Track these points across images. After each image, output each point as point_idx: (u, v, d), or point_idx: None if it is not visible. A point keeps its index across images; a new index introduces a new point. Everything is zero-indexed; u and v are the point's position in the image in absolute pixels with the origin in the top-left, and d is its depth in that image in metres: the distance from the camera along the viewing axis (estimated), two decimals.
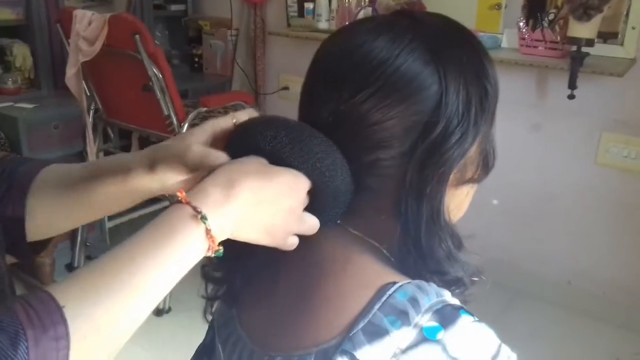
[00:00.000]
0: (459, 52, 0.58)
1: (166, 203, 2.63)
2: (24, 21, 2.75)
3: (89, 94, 2.48)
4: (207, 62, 3.21)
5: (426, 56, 0.56)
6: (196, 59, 3.25)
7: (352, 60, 0.57)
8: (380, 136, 0.56)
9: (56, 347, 0.42)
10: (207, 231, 0.50)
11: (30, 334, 0.42)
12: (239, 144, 0.58)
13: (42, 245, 0.74)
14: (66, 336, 0.43)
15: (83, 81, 2.42)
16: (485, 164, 0.62)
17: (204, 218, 0.50)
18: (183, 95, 2.57)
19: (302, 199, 0.56)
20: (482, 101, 0.58)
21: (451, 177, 0.58)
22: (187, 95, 2.90)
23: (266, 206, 0.54)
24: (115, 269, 0.48)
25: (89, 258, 2.67)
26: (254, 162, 0.55)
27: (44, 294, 0.45)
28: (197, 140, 0.59)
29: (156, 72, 2.22)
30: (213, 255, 0.52)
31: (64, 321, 0.43)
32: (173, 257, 0.50)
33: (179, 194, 0.51)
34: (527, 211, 2.47)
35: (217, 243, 0.51)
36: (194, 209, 0.50)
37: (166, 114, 2.27)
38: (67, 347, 0.43)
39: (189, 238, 0.50)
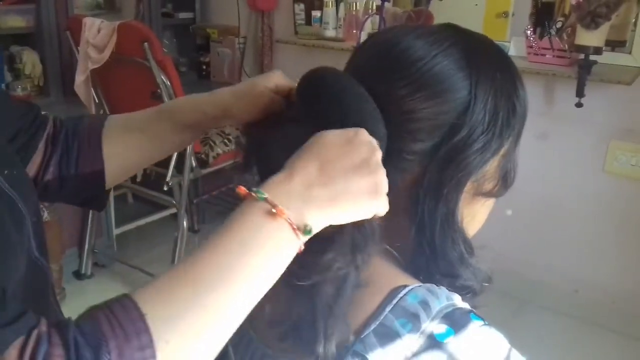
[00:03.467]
0: (494, 68, 0.61)
1: (173, 210, 2.64)
2: (33, 28, 2.77)
3: (97, 101, 2.50)
4: (215, 69, 3.22)
5: (461, 62, 0.59)
6: (204, 67, 3.26)
7: (392, 53, 0.60)
8: (410, 126, 0.58)
9: (142, 357, 0.42)
10: (290, 224, 0.48)
11: (113, 345, 0.41)
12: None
13: (108, 194, 0.80)
14: (151, 344, 0.42)
15: (92, 88, 2.43)
16: (504, 181, 0.63)
17: (259, 193, 0.49)
18: None
19: (367, 149, 0.53)
20: (509, 117, 0.60)
21: (468, 184, 0.60)
22: None
23: (331, 171, 0.51)
24: (200, 275, 0.46)
25: (96, 265, 2.67)
26: (308, 142, 0.53)
27: (127, 301, 0.44)
28: (266, 85, 0.67)
29: (164, 80, 2.23)
30: (304, 234, 0.49)
31: (147, 329, 0.42)
32: (262, 261, 0.48)
33: (237, 189, 0.50)
34: (534, 219, 2.46)
35: (303, 226, 0.49)
36: (271, 204, 0.48)
37: None
38: (154, 356, 0.42)
39: (276, 237, 0.48)
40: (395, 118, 0.58)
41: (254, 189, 0.49)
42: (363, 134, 0.54)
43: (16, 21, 2.73)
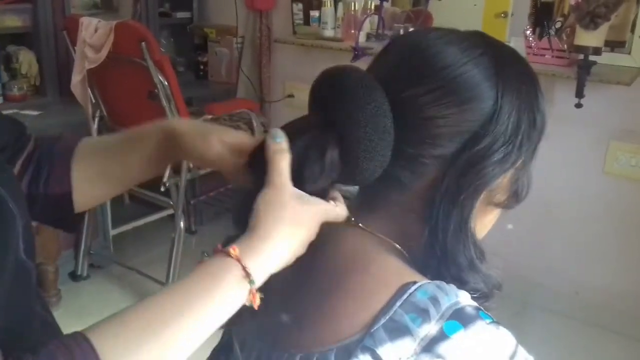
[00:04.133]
0: (520, 80, 0.61)
1: (170, 211, 2.63)
2: (30, 28, 2.76)
3: (94, 101, 2.48)
4: (213, 69, 3.21)
5: (490, 72, 0.59)
6: (201, 67, 3.25)
7: (420, 57, 0.60)
8: (431, 132, 0.59)
9: None
10: (251, 291, 0.54)
11: None
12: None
13: (81, 217, 0.79)
14: None
15: (89, 88, 2.42)
16: (516, 194, 0.64)
17: (252, 282, 0.53)
18: (188, 103, 2.56)
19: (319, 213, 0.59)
20: (530, 131, 0.61)
21: (483, 193, 0.60)
22: (192, 103, 2.90)
23: (297, 237, 0.57)
24: (157, 319, 0.50)
25: (92, 266, 2.66)
26: (280, 205, 0.57)
27: (83, 343, 0.46)
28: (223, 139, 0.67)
29: (162, 80, 2.22)
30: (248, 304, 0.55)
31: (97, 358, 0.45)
32: (217, 312, 0.53)
33: (231, 250, 0.54)
34: (534, 221, 2.45)
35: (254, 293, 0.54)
36: (244, 269, 0.53)
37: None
38: None
39: (237, 297, 0.53)
40: (417, 122, 0.58)
41: (243, 262, 0.54)
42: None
43: (13, 21, 2.72)
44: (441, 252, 0.60)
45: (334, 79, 0.60)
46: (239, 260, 0.53)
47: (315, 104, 0.61)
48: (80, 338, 0.47)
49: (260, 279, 0.54)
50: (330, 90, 0.59)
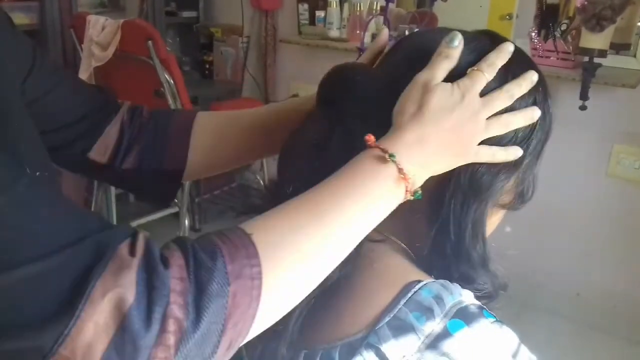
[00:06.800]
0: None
1: (174, 209, 2.64)
2: (38, 26, 2.78)
3: None
4: (218, 68, 3.23)
5: (499, 72, 0.58)
6: (207, 66, 3.26)
7: (429, 58, 0.58)
8: None
9: (249, 264, 0.45)
10: (399, 170, 0.52)
11: (226, 252, 0.45)
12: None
13: (179, 188, 0.80)
14: (257, 255, 0.46)
15: None
16: (521, 196, 0.64)
17: (392, 156, 0.52)
18: (193, 102, 2.58)
19: (477, 103, 0.56)
20: (539, 132, 0.61)
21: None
22: (197, 102, 2.92)
23: (445, 124, 0.54)
24: (302, 208, 0.50)
25: None
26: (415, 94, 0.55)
27: (233, 227, 0.48)
28: None
29: (168, 78, 2.23)
30: (412, 197, 0.54)
31: (253, 244, 0.46)
32: (363, 197, 0.51)
33: (367, 137, 0.53)
34: (536, 222, 2.45)
35: (413, 183, 0.53)
36: (382, 150, 0.52)
37: None
38: (259, 265, 0.45)
39: (379, 179, 0.52)
40: None
41: (389, 151, 0.52)
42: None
43: (20, 18, 2.74)
44: (452, 250, 0.59)
45: (344, 76, 0.60)
46: (375, 145, 0.52)
47: (325, 100, 0.61)
48: (239, 232, 0.47)
49: (408, 160, 0.53)
50: (343, 87, 0.59)
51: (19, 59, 0.63)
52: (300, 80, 3.00)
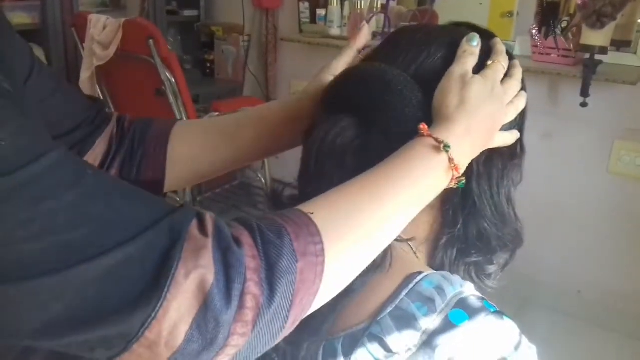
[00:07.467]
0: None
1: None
2: (39, 25, 2.78)
3: (102, 98, 2.50)
4: (219, 67, 3.23)
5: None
6: (208, 65, 3.27)
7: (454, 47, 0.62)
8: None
9: (313, 242, 0.46)
10: (450, 160, 0.54)
11: (291, 230, 0.46)
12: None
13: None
14: (318, 233, 0.47)
15: (97, 85, 2.44)
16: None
17: (446, 147, 0.54)
18: (194, 100, 2.58)
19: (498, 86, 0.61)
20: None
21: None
22: (199, 101, 2.92)
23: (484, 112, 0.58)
24: (359, 191, 0.51)
25: None
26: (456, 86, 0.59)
27: (290, 208, 0.49)
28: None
29: (169, 77, 2.23)
30: (456, 185, 0.56)
31: (314, 223, 0.47)
32: (416, 184, 0.53)
33: (420, 127, 0.55)
34: (537, 219, 2.45)
35: (459, 172, 0.55)
36: (436, 140, 0.54)
37: (178, 118, 2.28)
38: (321, 242, 0.47)
39: (433, 166, 0.54)
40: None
41: (442, 140, 0.54)
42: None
43: (22, 18, 2.75)
44: (495, 218, 0.63)
45: (371, 79, 0.61)
46: (429, 134, 0.55)
47: (343, 104, 0.61)
48: (299, 212, 0.49)
49: (458, 150, 0.55)
50: (367, 90, 0.60)
51: (20, 64, 0.63)
52: (302, 78, 3.00)
